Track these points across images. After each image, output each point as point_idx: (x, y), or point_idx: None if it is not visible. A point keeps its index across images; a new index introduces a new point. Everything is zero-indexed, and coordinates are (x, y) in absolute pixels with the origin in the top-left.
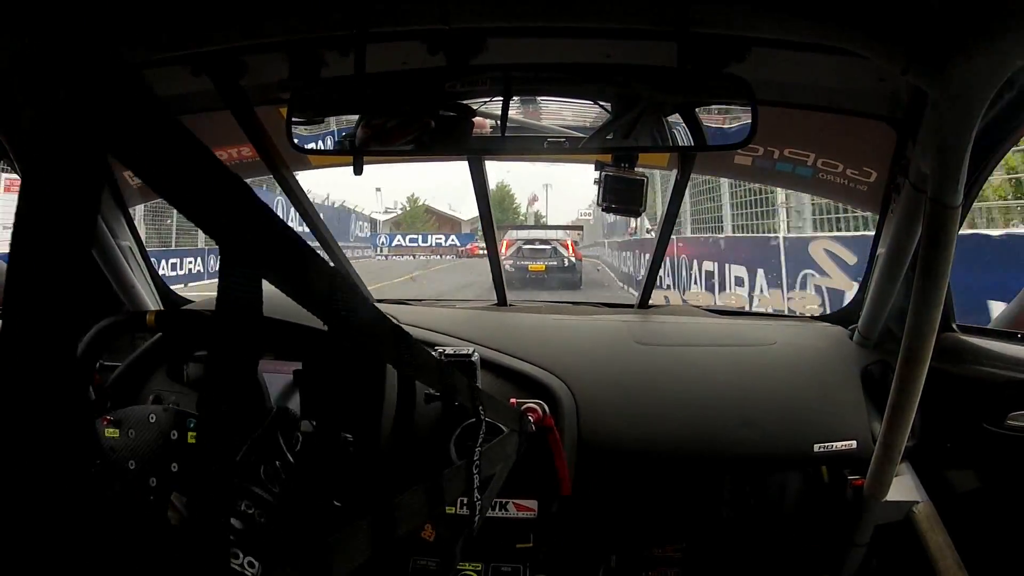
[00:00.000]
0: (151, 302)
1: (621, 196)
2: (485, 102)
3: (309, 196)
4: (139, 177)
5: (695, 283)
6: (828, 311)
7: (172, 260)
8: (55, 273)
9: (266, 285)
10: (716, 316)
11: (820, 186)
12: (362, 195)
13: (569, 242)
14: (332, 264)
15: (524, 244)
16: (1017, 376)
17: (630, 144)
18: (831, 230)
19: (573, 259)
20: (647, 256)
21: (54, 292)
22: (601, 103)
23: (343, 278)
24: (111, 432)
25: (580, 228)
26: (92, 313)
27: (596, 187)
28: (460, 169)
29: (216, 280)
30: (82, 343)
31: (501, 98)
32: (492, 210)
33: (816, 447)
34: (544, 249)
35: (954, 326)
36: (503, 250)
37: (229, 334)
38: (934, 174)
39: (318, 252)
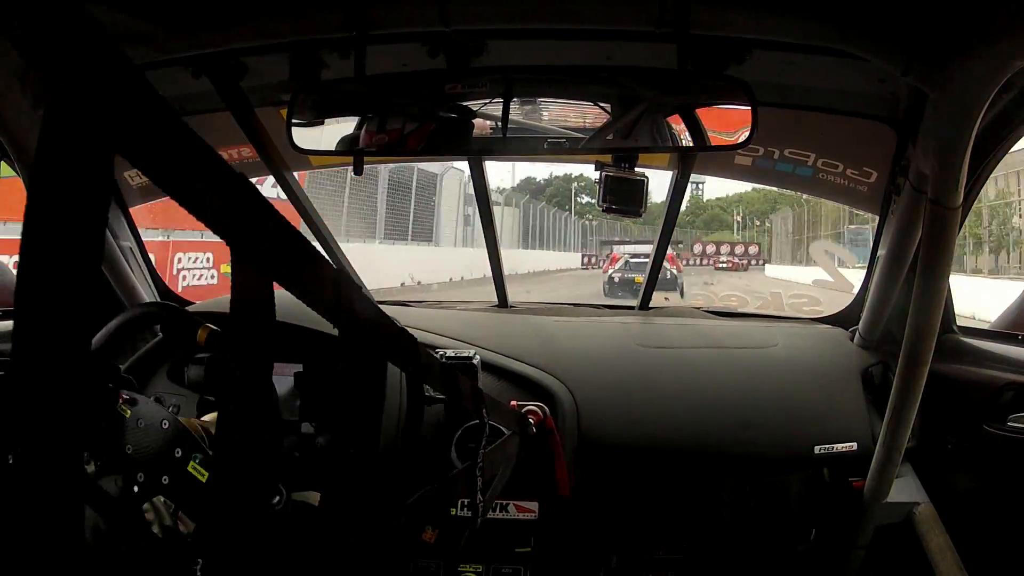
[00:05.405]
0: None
1: (621, 197)
2: (485, 103)
3: None
4: (146, 175)
5: None
6: None
7: None
8: (68, 273)
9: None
10: (717, 318)
11: (820, 186)
12: None
13: (671, 255)
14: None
15: (631, 258)
16: (1018, 378)
17: (630, 145)
18: None
19: (675, 271)
20: None
21: (67, 292)
22: (601, 104)
23: (349, 279)
24: (124, 410)
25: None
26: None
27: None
28: None
29: None
30: (108, 331)
31: (501, 100)
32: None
33: (817, 449)
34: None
35: (955, 327)
36: (611, 264)
37: (245, 334)
38: (934, 175)
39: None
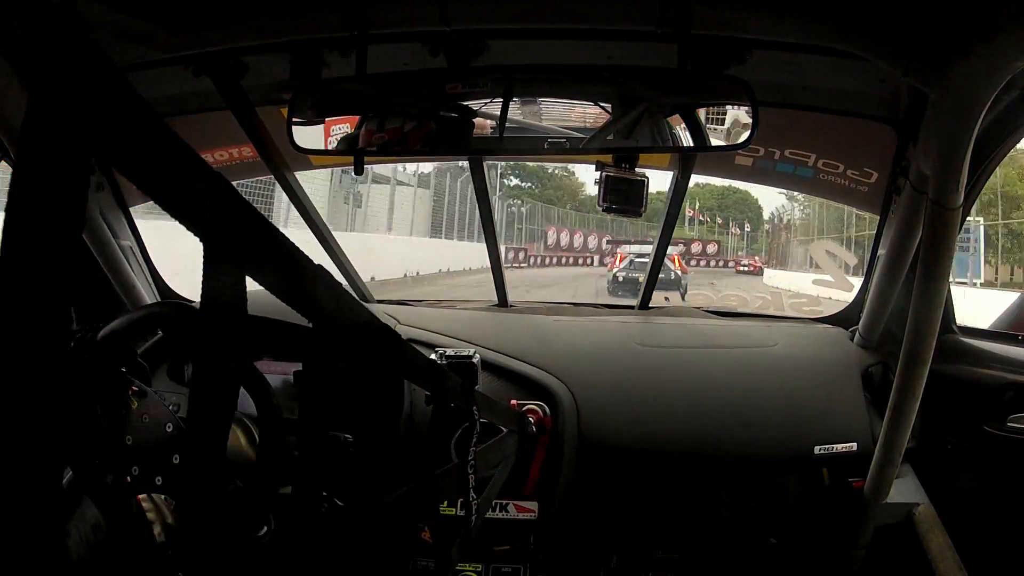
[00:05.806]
0: (151, 301)
1: (622, 197)
2: (486, 103)
3: None
4: (120, 172)
5: None
6: None
7: None
8: (40, 264)
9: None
10: (717, 318)
11: (821, 187)
12: None
13: (676, 256)
14: (333, 264)
15: (636, 257)
16: (1017, 378)
17: (631, 145)
18: None
19: (679, 272)
20: None
21: (41, 279)
22: (602, 104)
23: (328, 276)
24: (132, 400)
25: (687, 243)
26: (92, 313)
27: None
28: None
29: None
30: (118, 325)
31: (502, 99)
32: None
33: (817, 449)
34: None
35: (954, 327)
36: (617, 262)
37: (213, 331)
38: (935, 176)
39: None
